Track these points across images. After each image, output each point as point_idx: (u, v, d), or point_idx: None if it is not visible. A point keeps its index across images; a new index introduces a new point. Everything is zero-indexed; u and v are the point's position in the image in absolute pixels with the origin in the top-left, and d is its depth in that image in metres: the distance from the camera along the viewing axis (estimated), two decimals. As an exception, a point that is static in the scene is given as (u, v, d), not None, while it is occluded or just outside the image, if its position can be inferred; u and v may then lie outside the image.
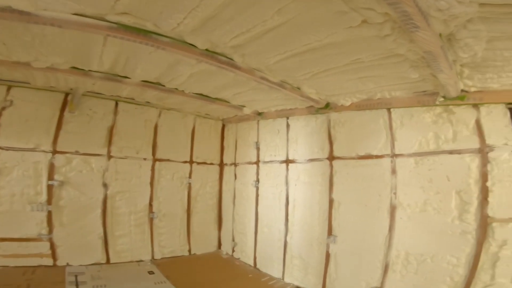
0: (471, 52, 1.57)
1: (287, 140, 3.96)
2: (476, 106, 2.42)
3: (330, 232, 3.28)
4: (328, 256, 3.28)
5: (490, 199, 2.29)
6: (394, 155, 2.87)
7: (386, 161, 2.91)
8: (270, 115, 4.16)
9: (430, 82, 2.31)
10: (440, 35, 1.44)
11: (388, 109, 2.93)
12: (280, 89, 2.83)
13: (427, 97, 2.59)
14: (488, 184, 2.31)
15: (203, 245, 4.66)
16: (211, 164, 4.97)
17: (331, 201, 3.31)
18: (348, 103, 3.15)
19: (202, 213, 4.73)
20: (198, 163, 4.75)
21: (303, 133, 3.77)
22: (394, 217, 2.80)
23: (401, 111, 2.86)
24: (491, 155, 2.34)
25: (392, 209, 2.82)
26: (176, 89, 3.26)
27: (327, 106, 3.39)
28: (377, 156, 2.99)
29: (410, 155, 2.77)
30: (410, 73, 2.05)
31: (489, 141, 2.36)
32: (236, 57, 2.30)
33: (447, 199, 2.51)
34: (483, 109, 2.40)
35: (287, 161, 3.90)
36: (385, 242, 2.85)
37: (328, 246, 3.27)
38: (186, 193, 4.54)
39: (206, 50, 2.17)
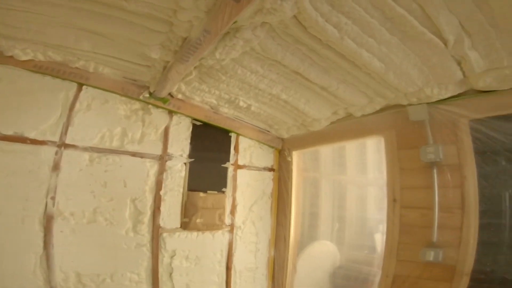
0: (224, 56, 1.44)
1: None
2: (171, 113, 2.43)
3: None
4: None
5: (162, 208, 2.30)
6: (63, 145, 2.05)
7: (49, 151, 2.01)
8: None
9: (152, 73, 1.91)
10: (235, 22, 1.15)
11: (80, 85, 2.08)
12: None
13: (135, 88, 2.16)
14: (162, 192, 2.33)
15: None
16: None
17: None
18: (26, 58, 1.84)
19: None
20: None
21: None
22: (52, 231, 1.95)
23: (96, 92, 2.14)
24: (168, 163, 2.41)
25: (49, 220, 1.94)
26: None
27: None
28: (34, 141, 1.97)
29: (85, 149, 2.13)
30: (153, 51, 1.52)
31: (170, 150, 2.43)
32: None
33: (122, 208, 2.20)
34: (175, 118, 2.46)
35: None
36: (39, 263, 1.92)
37: None
38: None
39: None
